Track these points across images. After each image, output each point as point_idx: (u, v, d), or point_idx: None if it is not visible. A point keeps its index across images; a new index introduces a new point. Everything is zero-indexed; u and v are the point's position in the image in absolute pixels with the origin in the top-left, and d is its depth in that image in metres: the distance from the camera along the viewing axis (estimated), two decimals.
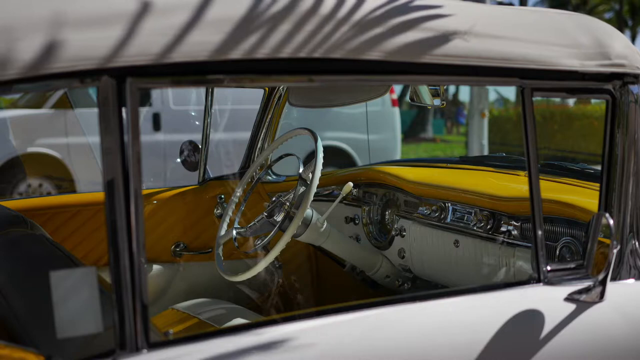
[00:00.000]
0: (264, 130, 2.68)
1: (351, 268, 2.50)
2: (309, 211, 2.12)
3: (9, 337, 1.45)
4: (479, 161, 2.76)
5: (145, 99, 6.76)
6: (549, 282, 1.53)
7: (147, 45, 1.15)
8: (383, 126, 7.67)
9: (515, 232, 2.01)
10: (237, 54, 1.21)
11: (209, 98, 2.60)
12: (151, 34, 1.15)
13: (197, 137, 2.73)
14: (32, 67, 1.08)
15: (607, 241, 1.49)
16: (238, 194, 2.30)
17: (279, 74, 1.30)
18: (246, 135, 2.78)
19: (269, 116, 2.66)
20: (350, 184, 2.18)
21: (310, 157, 2.08)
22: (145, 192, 2.53)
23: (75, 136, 6.52)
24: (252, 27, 1.23)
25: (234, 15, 1.22)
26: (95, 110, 1.16)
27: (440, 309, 1.45)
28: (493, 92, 23.57)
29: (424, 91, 2.12)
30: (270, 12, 1.25)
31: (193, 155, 2.63)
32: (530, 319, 1.46)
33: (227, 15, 1.22)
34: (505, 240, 2.03)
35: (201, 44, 1.18)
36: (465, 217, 2.15)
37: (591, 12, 28.77)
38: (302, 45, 1.26)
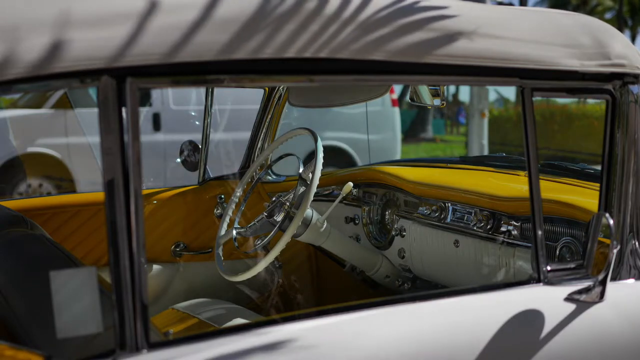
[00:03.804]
0: (264, 130, 2.68)
1: (351, 268, 2.50)
2: (309, 211, 2.12)
3: (9, 337, 1.45)
4: (479, 161, 2.76)
5: (145, 99, 6.76)
6: (549, 282, 1.53)
7: (148, 46, 1.15)
8: (383, 126, 7.67)
9: (515, 232, 2.01)
10: (241, 54, 1.21)
11: (209, 98, 2.61)
12: (153, 34, 1.15)
13: (197, 137, 2.73)
14: (33, 67, 1.08)
15: (607, 241, 1.49)
16: (238, 194, 2.30)
17: (283, 74, 1.30)
18: (246, 135, 2.78)
19: (269, 116, 2.66)
20: (350, 184, 2.18)
21: (310, 157, 2.08)
22: (145, 192, 2.53)
23: (75, 136, 6.51)
24: (257, 27, 1.23)
25: (238, 15, 1.22)
26: (95, 110, 1.16)
27: (440, 309, 1.44)
28: (493, 92, 23.57)
29: (424, 91, 2.12)
30: (275, 12, 1.25)
31: (193, 155, 2.63)
32: (530, 319, 1.46)
33: (231, 16, 1.22)
34: (505, 240, 2.03)
35: (204, 44, 1.18)
36: (465, 217, 2.15)
37: (591, 12, 28.77)
38: (307, 45, 1.26)
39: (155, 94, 6.88)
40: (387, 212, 2.50)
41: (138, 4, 1.17)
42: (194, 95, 6.92)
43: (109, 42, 1.12)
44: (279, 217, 2.10)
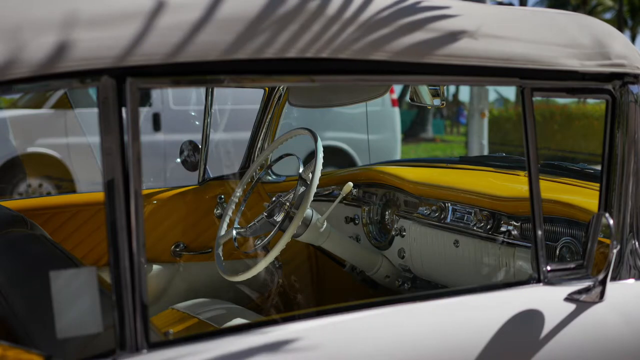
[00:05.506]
0: (264, 130, 2.68)
1: (351, 268, 2.50)
2: (309, 211, 2.12)
3: (9, 337, 1.45)
4: (479, 161, 2.76)
5: (145, 99, 6.76)
6: (549, 282, 1.53)
7: (148, 46, 1.15)
8: (383, 126, 7.68)
9: (515, 232, 2.01)
10: (242, 54, 1.21)
11: (209, 98, 2.61)
12: (153, 34, 1.15)
13: (197, 137, 2.73)
14: (34, 67, 1.08)
15: (607, 241, 1.49)
16: (238, 194, 2.30)
17: (285, 74, 1.30)
18: (246, 135, 2.78)
19: (269, 116, 2.67)
20: (350, 184, 2.17)
21: (310, 157, 2.08)
22: (145, 192, 2.53)
23: (75, 136, 6.52)
24: (258, 27, 1.23)
25: (240, 16, 1.22)
26: (95, 110, 1.16)
27: (440, 309, 1.45)
28: (493, 92, 23.59)
29: (424, 91, 2.12)
30: (277, 13, 1.25)
31: (193, 155, 2.63)
32: (530, 319, 1.46)
33: (233, 16, 1.22)
34: (505, 240, 2.03)
35: (206, 45, 1.18)
36: (465, 217, 2.15)
37: (591, 12, 28.79)
38: (309, 45, 1.26)
39: (155, 94, 6.88)
40: (387, 212, 2.50)
41: (138, 4, 1.17)
42: (194, 95, 6.92)
43: (109, 43, 1.12)
44: (279, 217, 2.10)
